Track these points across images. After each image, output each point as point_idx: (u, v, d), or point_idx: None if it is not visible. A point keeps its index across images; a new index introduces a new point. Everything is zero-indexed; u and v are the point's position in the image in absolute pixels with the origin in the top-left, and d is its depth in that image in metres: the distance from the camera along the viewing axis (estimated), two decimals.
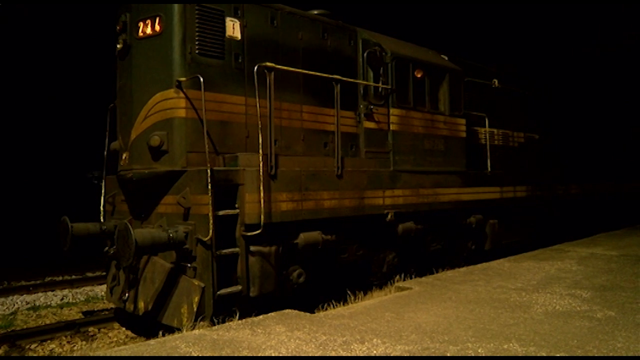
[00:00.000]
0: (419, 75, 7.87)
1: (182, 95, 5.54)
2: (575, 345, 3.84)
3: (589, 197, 13.34)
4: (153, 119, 5.66)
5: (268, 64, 5.76)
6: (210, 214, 5.06)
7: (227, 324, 4.73)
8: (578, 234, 11.42)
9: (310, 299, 6.11)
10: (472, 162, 8.86)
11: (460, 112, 8.58)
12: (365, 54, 7.29)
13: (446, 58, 8.88)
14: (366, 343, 3.98)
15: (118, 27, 6.02)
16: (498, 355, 3.67)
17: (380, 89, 7.33)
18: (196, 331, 4.53)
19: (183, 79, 5.50)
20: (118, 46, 6.05)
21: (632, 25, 21.39)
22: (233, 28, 5.95)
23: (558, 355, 3.64)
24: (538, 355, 3.65)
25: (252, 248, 5.47)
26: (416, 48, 8.43)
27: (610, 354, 3.63)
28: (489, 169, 9.30)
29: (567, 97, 13.69)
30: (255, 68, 5.68)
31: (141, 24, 5.80)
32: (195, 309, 5.11)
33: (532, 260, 7.85)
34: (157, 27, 5.66)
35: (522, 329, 4.31)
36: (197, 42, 5.64)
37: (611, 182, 14.80)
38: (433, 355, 3.70)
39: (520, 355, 3.67)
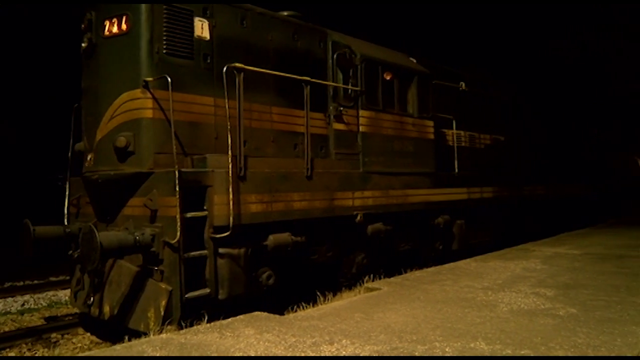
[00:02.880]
0: (388, 78, 7.95)
1: (149, 95, 5.45)
2: (539, 342, 3.93)
3: (554, 198, 13.70)
4: (119, 119, 5.55)
5: (237, 64, 5.72)
6: (178, 216, 4.99)
7: (195, 327, 4.67)
8: (543, 233, 11.70)
9: (280, 300, 6.09)
10: (440, 163, 8.99)
11: (429, 114, 8.70)
12: (335, 56, 7.32)
13: (415, 61, 8.99)
14: (335, 344, 3.99)
15: (83, 26, 5.89)
16: (465, 354, 3.73)
17: (350, 91, 7.37)
18: (163, 335, 4.46)
19: (150, 79, 5.41)
20: (83, 45, 5.92)
21: (594, 36, 22.13)
22: (202, 28, 5.89)
23: (522, 352, 3.72)
24: (504, 353, 3.72)
25: (221, 250, 5.41)
26: (385, 50, 8.51)
27: (572, 350, 3.73)
28: (457, 170, 9.45)
29: (532, 101, 14.03)
30: (225, 69, 5.64)
31: (107, 23, 5.69)
32: (162, 313, 5.03)
33: (498, 260, 8.01)
34: (124, 26, 5.56)
35: (489, 327, 4.39)
36: (164, 42, 5.56)
37: (574, 183, 15.24)
38: (401, 355, 3.74)
39: (487, 353, 3.73)
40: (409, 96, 8.41)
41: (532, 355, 3.66)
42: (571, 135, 15.85)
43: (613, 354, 3.63)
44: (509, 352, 3.73)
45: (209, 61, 5.92)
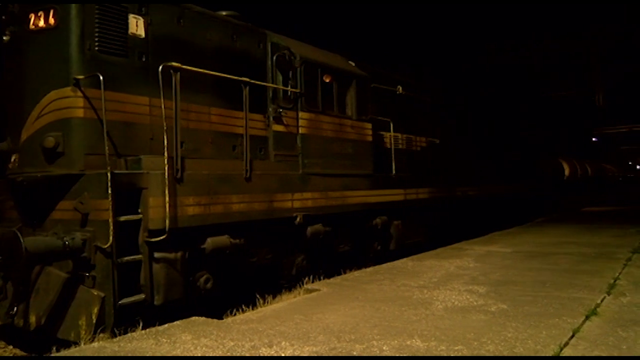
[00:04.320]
0: (327, 80, 8.02)
1: (80, 94, 5.21)
2: (472, 338, 4.08)
3: (486, 199, 14.28)
4: (47, 118, 5.28)
5: (174, 63, 5.59)
6: (110, 219, 4.81)
7: (129, 334, 4.51)
8: (476, 232, 12.16)
9: (219, 304, 6.00)
10: (378, 165, 9.17)
11: (367, 117, 8.85)
12: (274, 58, 7.30)
13: (353, 64, 9.12)
14: (274, 346, 3.98)
15: (4, 17, 5.55)
16: (402, 352, 3.81)
17: (289, 93, 7.37)
18: (95, 344, 4.28)
19: (81, 77, 5.18)
20: (5, 38, 5.58)
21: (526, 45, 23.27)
22: (137, 25, 5.71)
23: (456, 348, 3.85)
24: (439, 350, 3.84)
25: (156, 254, 5.26)
26: (325, 53, 8.58)
27: (502, 344, 3.90)
28: (394, 172, 9.67)
29: (466, 105, 14.57)
30: (160, 67, 5.48)
31: (32, 16, 5.39)
32: (94, 321, 4.82)
33: (433, 259, 8.25)
34: (51, 20, 5.30)
35: (424, 325, 4.52)
36: (96, 39, 5.33)
37: (505, 184, 15.94)
38: (339, 355, 3.77)
39: (422, 350, 3.83)
40: (348, 99, 8.52)
41: (465, 352, 3.80)
42: (502, 138, 16.58)
43: (538, 346, 3.83)
44: (443, 348, 3.85)
45: (144, 59, 5.74)
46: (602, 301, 5.19)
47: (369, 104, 8.92)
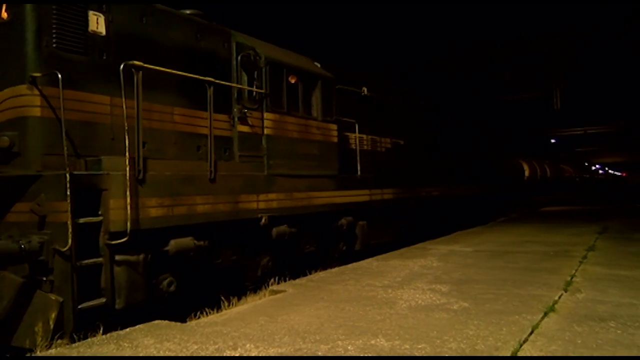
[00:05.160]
0: (292, 81, 8.01)
1: (36, 92, 5.04)
2: (435, 336, 4.15)
3: (450, 199, 14.54)
4: (1, 117, 5.11)
5: (136, 62, 5.47)
6: (69, 222, 4.67)
7: (89, 339, 4.40)
8: (440, 232, 12.37)
9: (184, 307, 5.91)
10: (344, 166, 9.21)
11: (332, 118, 8.88)
12: (239, 58, 7.25)
13: (319, 65, 9.14)
14: (239, 349, 3.95)
15: None
16: (366, 351, 3.84)
17: (254, 93, 7.33)
18: (52, 350, 4.16)
19: (38, 74, 5.02)
20: None
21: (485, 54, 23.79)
22: (97, 22, 5.57)
23: (419, 346, 3.90)
24: (402, 348, 3.88)
25: (117, 257, 5.14)
26: (290, 54, 8.57)
27: (464, 341, 3.98)
28: (359, 172, 9.74)
29: (430, 107, 14.79)
30: (122, 66, 5.37)
31: None
32: (52, 326, 4.67)
33: (398, 259, 8.35)
34: (4, 15, 5.12)
35: (388, 324, 4.56)
36: (54, 35, 5.17)
37: (468, 185, 16.27)
38: (305, 355, 3.77)
39: (387, 349, 3.87)
40: (313, 100, 8.54)
41: (429, 350, 3.85)
42: (465, 140, 16.91)
43: (499, 343, 3.92)
44: (407, 347, 3.90)
45: (105, 58, 5.60)
46: (559, 298, 5.36)
47: (335, 105, 8.96)
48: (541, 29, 21.25)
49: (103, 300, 5.02)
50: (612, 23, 20.50)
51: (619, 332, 4.18)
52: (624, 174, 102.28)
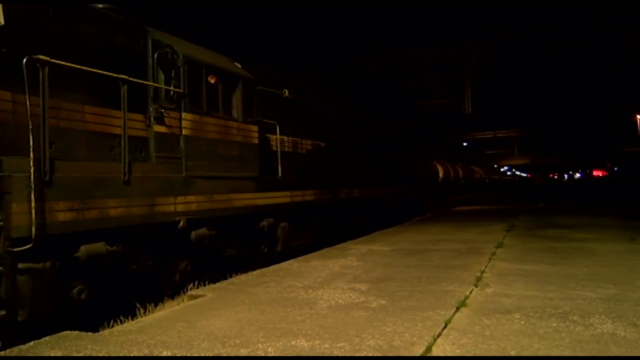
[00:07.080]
0: (212, 81, 7.85)
1: None
2: (354, 335, 4.22)
3: (369, 200, 14.88)
4: None
5: (41, 57, 5.14)
6: None
7: None
8: (360, 232, 12.63)
9: (97, 317, 5.61)
10: (265, 167, 9.17)
11: (253, 119, 8.81)
12: (155, 55, 6.99)
13: (239, 66, 9.04)
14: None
15: None
16: (286, 352, 3.84)
17: (171, 93, 7.11)
18: None
19: None
20: None
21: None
22: None
23: (339, 345, 3.95)
24: (322, 348, 3.92)
25: (20, 265, 4.79)
26: (210, 53, 8.40)
27: (382, 338, 4.08)
28: (280, 174, 9.73)
29: (351, 110, 15.07)
30: (25, 60, 5.01)
31: None
32: None
33: (319, 259, 8.43)
34: None
35: (309, 324, 4.59)
36: None
37: (387, 186, 16.74)
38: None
39: (307, 349, 3.89)
40: (234, 101, 8.42)
41: (348, 349, 3.91)
42: (384, 143, 17.39)
43: (415, 338, 4.06)
44: (326, 346, 3.94)
45: (4, 51, 5.20)
46: (470, 293, 5.64)
47: (255, 107, 8.89)
48: (457, 37, 22.36)
49: (2, 312, 4.66)
50: (519, 33, 21.96)
51: (522, 322, 4.47)
52: (529, 175, 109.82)
